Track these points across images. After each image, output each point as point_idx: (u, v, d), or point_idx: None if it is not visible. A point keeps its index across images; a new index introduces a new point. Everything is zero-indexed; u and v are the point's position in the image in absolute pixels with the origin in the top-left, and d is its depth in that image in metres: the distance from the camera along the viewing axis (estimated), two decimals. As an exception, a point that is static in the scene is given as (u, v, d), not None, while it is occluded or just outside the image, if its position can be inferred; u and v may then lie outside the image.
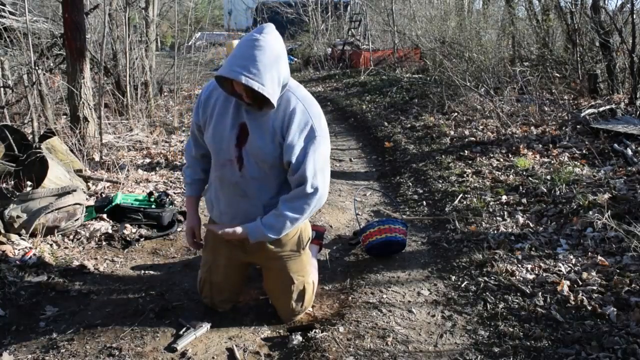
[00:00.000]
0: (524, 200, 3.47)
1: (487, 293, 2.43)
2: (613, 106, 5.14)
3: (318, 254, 2.85)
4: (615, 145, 4.14)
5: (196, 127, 2.15)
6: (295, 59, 15.57)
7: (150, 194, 3.56)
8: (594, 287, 2.37)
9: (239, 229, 2.02)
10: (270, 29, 1.81)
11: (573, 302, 2.28)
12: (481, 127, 5.50)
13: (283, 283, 2.23)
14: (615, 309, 2.17)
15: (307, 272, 2.28)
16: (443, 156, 4.72)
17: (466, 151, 4.70)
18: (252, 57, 1.75)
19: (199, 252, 3.03)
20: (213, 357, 2.06)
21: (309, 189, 1.93)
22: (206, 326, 2.21)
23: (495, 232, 3.09)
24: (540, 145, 4.57)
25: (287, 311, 2.28)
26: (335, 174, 2.88)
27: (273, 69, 1.78)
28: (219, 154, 2.04)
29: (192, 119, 2.19)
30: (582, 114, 5.01)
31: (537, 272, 2.58)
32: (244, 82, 1.74)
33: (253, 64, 1.75)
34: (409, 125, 6.18)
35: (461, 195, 3.71)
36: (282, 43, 1.84)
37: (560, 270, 2.56)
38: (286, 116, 1.92)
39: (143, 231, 3.26)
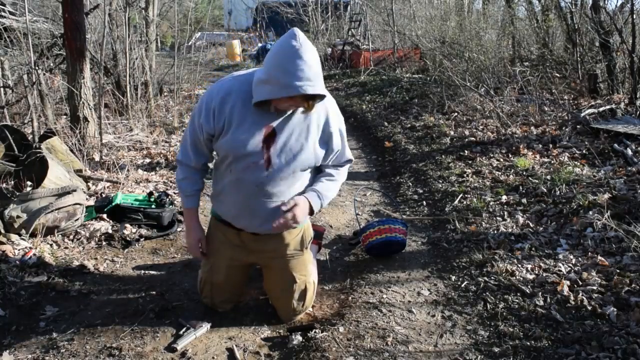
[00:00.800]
0: (524, 200, 3.47)
1: (487, 293, 2.43)
2: (613, 106, 5.14)
3: (318, 254, 2.85)
4: (615, 145, 4.14)
5: (206, 135, 2.00)
6: (296, 59, 15.53)
7: (150, 194, 3.56)
8: (594, 287, 2.37)
9: (303, 206, 2.01)
10: (299, 32, 1.79)
11: (573, 302, 2.28)
12: (481, 127, 5.50)
13: (285, 282, 2.23)
14: (615, 309, 2.17)
15: (308, 271, 2.28)
16: (443, 156, 4.72)
17: (466, 151, 4.70)
18: (306, 67, 1.74)
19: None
20: (213, 357, 2.06)
21: (349, 157, 2.21)
22: (206, 326, 2.21)
23: (495, 232, 3.09)
24: (540, 145, 4.57)
25: (287, 311, 2.28)
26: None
27: (319, 68, 1.81)
28: (243, 158, 1.98)
29: (194, 128, 2.03)
30: (582, 114, 5.01)
31: (537, 272, 2.58)
32: (311, 92, 1.76)
33: (310, 72, 1.75)
34: (409, 125, 6.18)
35: (461, 195, 3.71)
36: (307, 40, 1.83)
37: (560, 270, 2.56)
38: (322, 117, 2.01)
39: (143, 231, 3.26)
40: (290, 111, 1.93)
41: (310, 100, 1.85)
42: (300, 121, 1.96)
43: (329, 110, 2.02)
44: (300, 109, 1.94)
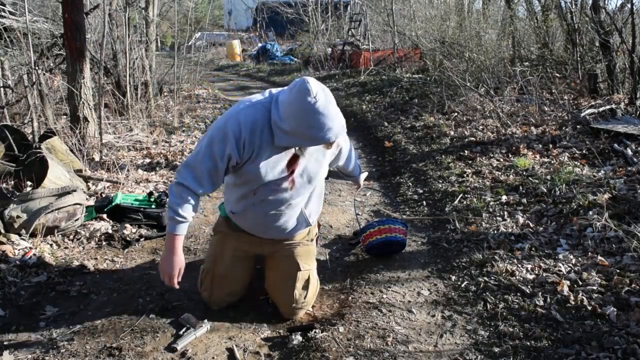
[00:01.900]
0: (524, 200, 3.47)
1: (487, 293, 2.43)
2: (613, 106, 5.14)
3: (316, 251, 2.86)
4: (615, 145, 4.14)
5: (230, 163, 1.98)
6: (295, 59, 15.57)
7: (150, 194, 3.56)
8: (594, 287, 2.37)
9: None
10: (310, 83, 1.83)
11: (573, 302, 2.28)
12: (481, 127, 5.50)
13: (289, 270, 2.26)
14: (615, 309, 2.17)
15: (313, 263, 2.34)
16: (443, 156, 4.72)
17: (466, 151, 4.70)
18: (328, 120, 1.84)
19: (200, 252, 3.04)
20: (213, 357, 2.06)
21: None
22: (206, 326, 2.21)
23: (495, 232, 3.09)
24: (540, 145, 4.57)
25: (289, 303, 2.27)
26: (335, 174, 2.89)
27: (336, 109, 1.90)
28: (268, 183, 2.06)
29: (212, 156, 1.96)
30: (582, 114, 5.01)
31: (537, 272, 2.58)
32: (335, 139, 1.91)
33: (332, 123, 1.86)
34: (409, 125, 6.18)
35: (461, 195, 3.71)
36: (326, 90, 1.89)
37: (560, 270, 2.56)
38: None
39: (143, 231, 3.26)
40: None
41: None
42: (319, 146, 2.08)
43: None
44: None
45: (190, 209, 2.02)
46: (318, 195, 2.30)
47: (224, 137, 1.93)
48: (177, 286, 2.13)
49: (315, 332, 2.17)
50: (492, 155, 4.52)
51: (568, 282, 2.41)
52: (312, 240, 2.37)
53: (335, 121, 1.87)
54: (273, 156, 2.01)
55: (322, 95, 1.83)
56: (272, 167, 2.02)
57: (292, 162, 2.06)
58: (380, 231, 2.83)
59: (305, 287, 2.28)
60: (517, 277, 2.54)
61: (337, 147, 2.32)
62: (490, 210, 3.40)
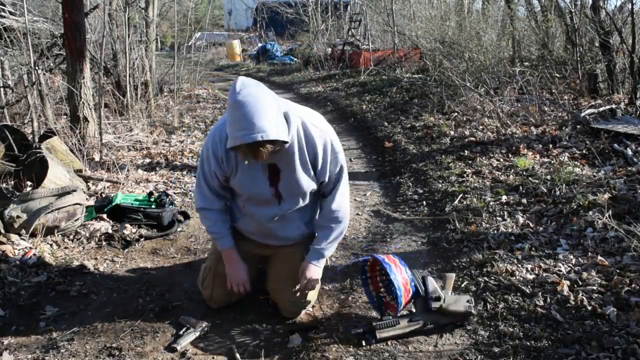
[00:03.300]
0: (524, 200, 3.47)
1: (487, 293, 2.43)
2: (613, 106, 5.14)
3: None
4: (615, 145, 4.14)
5: (222, 178, 2.10)
6: (295, 59, 15.56)
7: (150, 194, 3.56)
8: (594, 287, 2.37)
9: (313, 272, 2.22)
10: (241, 84, 1.78)
11: (573, 302, 2.28)
12: (481, 127, 5.49)
13: (290, 269, 2.26)
14: (615, 309, 2.17)
15: None
16: (443, 156, 4.72)
17: (466, 151, 4.70)
18: (243, 115, 1.73)
19: (200, 252, 3.04)
20: (213, 357, 2.06)
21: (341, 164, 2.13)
22: (206, 326, 2.21)
23: (495, 232, 3.09)
24: (540, 145, 4.57)
25: (290, 303, 2.27)
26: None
27: (266, 112, 1.74)
28: (254, 197, 2.12)
29: (206, 176, 2.11)
30: (582, 114, 5.01)
31: (537, 272, 2.58)
32: (249, 141, 1.72)
33: (246, 119, 1.72)
34: (409, 125, 6.18)
35: (461, 195, 3.71)
36: (257, 87, 1.80)
37: (560, 270, 2.56)
38: (310, 147, 2.01)
39: (143, 231, 3.26)
40: (287, 147, 1.94)
41: (260, 147, 1.78)
42: (297, 153, 2.00)
43: (317, 148, 2.02)
44: (295, 146, 1.97)
45: (220, 223, 2.21)
46: (314, 208, 2.27)
47: (207, 155, 2.06)
48: (249, 290, 2.31)
49: (315, 332, 2.17)
50: (492, 155, 4.52)
51: (568, 282, 2.41)
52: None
53: (257, 121, 1.71)
54: (250, 170, 2.01)
55: (246, 92, 1.74)
56: (252, 181, 2.05)
57: (273, 176, 2.04)
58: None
59: (307, 286, 2.28)
60: (517, 277, 2.54)
61: (314, 155, 2.04)
62: (490, 210, 3.40)
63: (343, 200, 2.17)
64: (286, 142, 1.86)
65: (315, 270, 2.21)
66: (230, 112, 1.77)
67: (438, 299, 2.10)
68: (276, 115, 1.79)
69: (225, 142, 1.93)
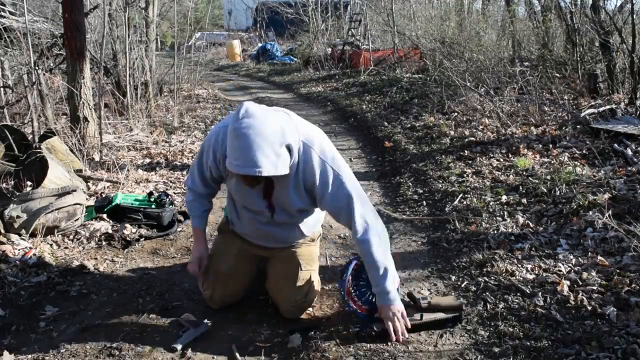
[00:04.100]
0: (524, 200, 3.47)
1: (487, 293, 2.43)
2: (613, 106, 5.14)
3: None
4: (615, 145, 4.14)
5: (217, 176, 2.14)
6: (295, 59, 15.56)
7: (150, 194, 3.56)
8: (594, 287, 2.37)
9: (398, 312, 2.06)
10: (245, 111, 1.74)
11: (573, 302, 2.27)
12: (481, 127, 5.49)
13: (291, 269, 2.26)
14: (615, 309, 2.17)
15: (314, 264, 2.34)
16: (443, 156, 4.72)
17: (466, 151, 4.70)
18: (241, 148, 1.72)
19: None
20: (213, 357, 2.06)
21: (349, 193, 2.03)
22: (206, 326, 2.21)
23: (495, 232, 3.09)
24: (540, 145, 4.57)
25: (290, 303, 2.27)
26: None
27: (265, 148, 1.73)
28: (246, 206, 2.16)
29: (201, 165, 2.16)
30: (582, 114, 5.01)
31: (537, 272, 2.58)
32: (243, 173, 1.75)
33: (244, 153, 1.72)
34: (409, 125, 6.18)
35: (461, 195, 3.71)
36: (260, 117, 1.75)
37: (560, 270, 2.56)
38: (309, 175, 1.98)
39: (143, 231, 3.26)
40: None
41: (254, 180, 1.82)
42: (292, 177, 1.98)
43: (315, 175, 1.97)
44: (293, 168, 1.95)
45: (199, 204, 2.29)
46: (313, 218, 2.28)
47: (208, 149, 2.09)
48: (199, 275, 2.34)
49: (315, 332, 2.17)
50: (492, 155, 4.52)
51: (568, 282, 2.41)
52: (314, 240, 2.38)
53: (254, 156, 1.70)
54: (242, 184, 1.97)
55: (248, 122, 1.71)
56: (244, 193, 2.07)
57: (268, 188, 2.04)
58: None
59: (306, 287, 2.28)
60: (517, 277, 2.54)
61: (306, 182, 2.00)
62: (490, 210, 3.40)
63: (364, 213, 2.03)
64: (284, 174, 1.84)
65: (391, 307, 2.03)
66: (230, 139, 1.77)
67: (425, 297, 2.18)
68: (276, 150, 1.76)
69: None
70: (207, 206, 2.33)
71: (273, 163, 1.75)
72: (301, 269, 2.27)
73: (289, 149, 1.84)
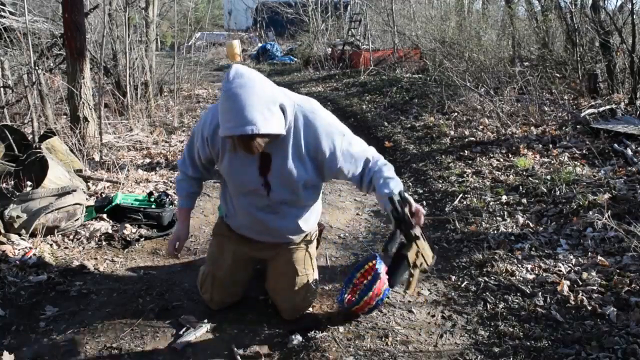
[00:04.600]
0: (524, 200, 3.47)
1: (487, 293, 2.44)
2: (613, 106, 5.14)
3: (317, 251, 2.85)
4: (615, 145, 4.14)
5: (204, 159, 2.12)
6: (295, 59, 15.56)
7: (150, 194, 3.56)
8: (594, 287, 2.37)
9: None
10: (234, 73, 1.72)
11: (573, 302, 2.28)
12: (481, 127, 5.49)
13: (288, 275, 2.24)
14: (615, 309, 2.17)
15: (312, 267, 2.31)
16: (443, 156, 4.72)
17: (466, 151, 4.70)
18: (233, 109, 1.68)
19: (200, 252, 3.04)
20: (213, 357, 2.06)
21: (367, 155, 2.02)
22: (206, 326, 2.21)
23: (495, 232, 3.09)
24: (540, 145, 4.57)
25: (289, 307, 2.27)
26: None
27: (258, 105, 1.69)
28: (241, 185, 2.07)
29: (191, 148, 2.15)
30: (582, 114, 5.01)
31: (537, 272, 2.59)
32: (238, 133, 1.68)
33: (237, 113, 1.68)
34: (409, 125, 6.18)
35: (461, 195, 3.71)
36: (250, 77, 1.73)
37: (560, 270, 2.56)
38: (309, 136, 1.92)
39: (143, 231, 3.26)
40: (283, 135, 1.87)
41: (251, 141, 1.74)
42: (291, 142, 1.93)
43: (308, 134, 1.93)
44: (290, 135, 1.91)
45: (187, 185, 2.26)
46: (311, 206, 2.20)
47: (197, 132, 2.09)
48: (173, 257, 2.37)
49: (315, 332, 2.17)
50: (492, 155, 4.52)
51: (568, 282, 2.41)
52: (311, 242, 2.33)
53: (247, 114, 1.66)
54: (240, 158, 1.95)
55: (239, 82, 1.68)
56: (241, 167, 1.99)
57: (264, 163, 1.96)
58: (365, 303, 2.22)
59: (305, 291, 2.27)
60: (517, 277, 2.54)
61: (309, 145, 1.94)
62: (490, 210, 3.40)
63: (377, 157, 2.02)
64: (280, 135, 1.81)
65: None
66: (222, 101, 1.72)
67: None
68: (269, 108, 1.72)
69: (215, 124, 1.91)
70: (195, 189, 2.29)
71: (267, 120, 1.70)
72: (298, 275, 2.25)
73: (282, 109, 1.80)
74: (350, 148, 1.97)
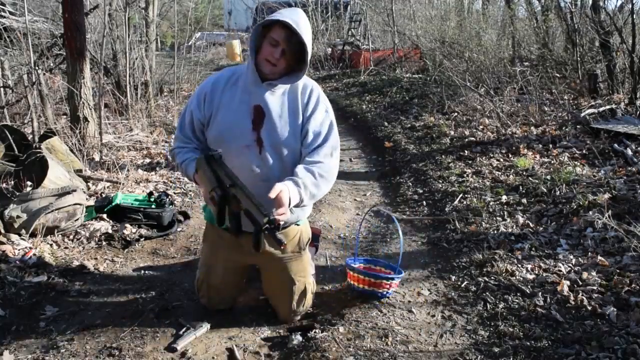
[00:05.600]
0: (524, 200, 3.47)
1: (487, 293, 2.43)
2: (613, 106, 5.14)
3: (315, 255, 2.84)
4: (615, 145, 4.14)
5: (198, 123, 2.08)
6: (296, 59, 15.52)
7: (150, 194, 3.56)
8: (594, 287, 2.37)
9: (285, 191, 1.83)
10: (301, 10, 1.99)
11: (573, 302, 2.28)
12: (481, 127, 5.50)
13: (284, 284, 2.22)
14: (615, 309, 2.17)
15: (307, 272, 2.28)
16: (443, 156, 4.72)
17: (466, 151, 4.70)
18: (300, 17, 1.92)
19: (199, 253, 3.03)
20: (213, 357, 2.06)
21: (333, 145, 2.08)
22: (206, 326, 2.21)
23: (495, 232, 3.09)
24: (540, 145, 4.57)
25: (287, 312, 2.27)
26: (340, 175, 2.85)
27: (307, 27, 1.94)
28: (234, 141, 2.01)
29: (186, 117, 2.12)
30: (582, 114, 5.01)
31: (537, 272, 2.59)
32: (289, 23, 1.87)
33: (301, 21, 1.91)
34: (409, 125, 6.18)
35: (461, 195, 3.71)
36: (298, 13, 1.97)
37: (560, 270, 2.56)
38: (306, 95, 2.06)
39: (143, 231, 3.26)
40: (280, 90, 2.01)
41: (289, 41, 1.92)
42: (288, 100, 2.03)
43: (312, 93, 2.07)
44: (299, 91, 2.03)
45: (184, 151, 2.12)
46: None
47: (192, 98, 2.13)
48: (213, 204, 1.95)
49: (315, 332, 2.17)
50: (492, 155, 4.52)
51: (568, 282, 2.41)
52: (303, 249, 2.26)
53: (303, 25, 1.91)
54: (236, 105, 2.01)
55: (299, 12, 1.95)
56: (235, 118, 2.01)
57: (258, 118, 2.00)
58: (369, 283, 2.43)
59: (302, 296, 2.26)
60: (517, 277, 2.54)
61: (305, 99, 2.04)
62: (490, 210, 3.40)
63: (329, 162, 2.03)
64: (296, 75, 1.99)
65: (287, 191, 1.82)
66: (290, 10, 1.96)
67: None
68: (310, 43, 1.96)
69: (213, 82, 2.08)
70: (197, 153, 2.09)
71: (309, 34, 1.94)
72: (295, 283, 2.22)
73: (307, 65, 2.00)
74: (323, 129, 2.06)
